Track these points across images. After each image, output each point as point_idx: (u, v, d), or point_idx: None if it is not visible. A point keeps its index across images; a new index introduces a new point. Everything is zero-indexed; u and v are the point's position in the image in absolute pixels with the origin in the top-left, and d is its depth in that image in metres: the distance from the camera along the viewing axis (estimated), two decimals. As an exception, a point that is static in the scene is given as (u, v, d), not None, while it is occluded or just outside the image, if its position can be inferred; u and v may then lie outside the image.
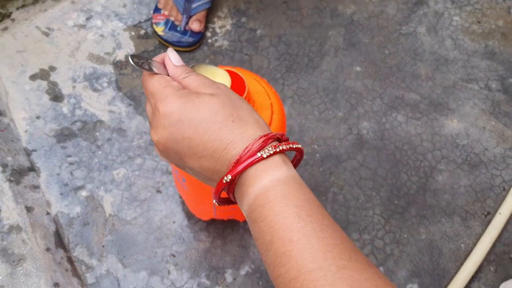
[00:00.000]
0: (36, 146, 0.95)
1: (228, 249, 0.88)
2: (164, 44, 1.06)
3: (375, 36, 1.12)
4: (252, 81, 0.66)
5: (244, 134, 0.40)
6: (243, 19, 1.12)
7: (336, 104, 1.03)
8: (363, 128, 1.00)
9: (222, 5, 1.13)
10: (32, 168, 0.93)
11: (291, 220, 0.37)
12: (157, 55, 0.47)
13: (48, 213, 0.89)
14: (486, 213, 0.93)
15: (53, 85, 1.01)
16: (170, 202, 0.91)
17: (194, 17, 1.05)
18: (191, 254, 0.87)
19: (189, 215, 0.90)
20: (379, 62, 1.08)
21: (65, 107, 0.99)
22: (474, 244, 0.90)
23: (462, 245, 0.90)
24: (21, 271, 0.81)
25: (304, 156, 0.96)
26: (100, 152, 0.95)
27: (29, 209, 0.87)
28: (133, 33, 1.08)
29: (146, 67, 0.44)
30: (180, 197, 0.91)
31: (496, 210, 0.93)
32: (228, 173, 0.39)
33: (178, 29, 1.05)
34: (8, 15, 1.06)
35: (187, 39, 1.05)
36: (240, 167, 0.39)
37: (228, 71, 0.56)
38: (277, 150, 0.40)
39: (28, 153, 0.94)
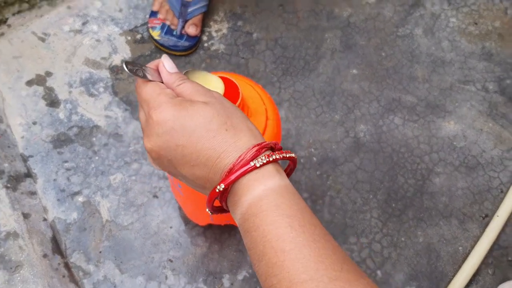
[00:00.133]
0: (32, 152, 0.95)
1: (225, 254, 0.87)
2: (160, 48, 1.06)
3: (371, 38, 1.12)
4: (246, 87, 0.66)
5: (238, 143, 0.40)
6: (239, 23, 1.12)
7: (333, 107, 1.03)
8: (360, 131, 1.00)
9: (218, 9, 1.13)
10: (28, 174, 0.93)
11: (283, 230, 0.37)
12: (151, 61, 0.46)
13: (45, 219, 0.89)
14: (484, 215, 0.93)
15: (50, 91, 1.01)
16: (167, 207, 0.91)
17: (190, 21, 1.05)
18: (188, 259, 0.87)
19: (186, 220, 0.90)
20: (376, 64, 1.08)
21: (61, 113, 0.99)
22: (472, 247, 0.90)
23: (460, 248, 0.90)
24: (18, 278, 0.81)
25: (301, 160, 0.96)
26: (96, 158, 0.95)
27: (26, 216, 0.87)
28: (129, 38, 1.08)
29: (140, 74, 0.43)
30: (177, 202, 0.91)
31: (494, 212, 0.93)
32: (221, 182, 0.39)
33: (174, 33, 1.05)
34: (4, 21, 1.06)
35: (183, 43, 1.05)
36: (233, 176, 0.39)
37: (222, 78, 0.56)
38: (270, 159, 0.40)
39: (24, 159, 0.94)
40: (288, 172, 0.45)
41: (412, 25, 1.14)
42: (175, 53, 1.05)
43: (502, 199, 0.94)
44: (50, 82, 1.02)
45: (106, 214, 0.90)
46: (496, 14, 1.16)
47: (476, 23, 1.15)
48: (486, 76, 1.08)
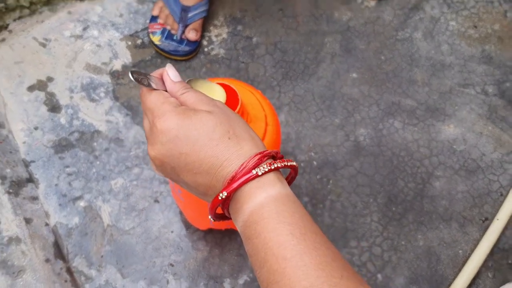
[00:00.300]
0: (34, 157, 0.95)
1: (226, 258, 0.88)
2: (160, 53, 1.07)
3: (371, 42, 1.12)
4: (246, 93, 0.66)
5: (240, 152, 0.41)
6: (239, 27, 1.12)
7: (333, 111, 1.03)
8: (360, 134, 1.01)
9: (218, 14, 1.14)
10: (30, 179, 0.93)
11: (284, 238, 0.38)
12: (155, 70, 0.47)
13: (47, 224, 0.90)
14: (483, 218, 0.94)
15: (51, 96, 1.01)
16: (168, 212, 0.91)
17: (190, 26, 1.06)
18: (189, 263, 0.87)
19: (187, 225, 0.90)
20: (376, 68, 1.09)
21: (62, 118, 0.99)
22: (472, 250, 0.90)
23: (460, 251, 0.90)
24: (21, 283, 0.82)
25: (301, 164, 0.96)
26: (97, 162, 0.95)
27: (28, 221, 0.87)
28: (129, 43, 1.09)
29: (145, 82, 0.44)
30: (178, 206, 0.91)
31: (493, 215, 0.93)
32: (224, 189, 0.40)
33: (175, 38, 1.06)
34: (5, 27, 1.07)
35: (184, 48, 1.05)
36: (235, 184, 0.40)
37: (222, 85, 0.57)
38: (272, 167, 0.40)
39: (26, 164, 0.95)
40: (289, 180, 0.45)
41: (411, 28, 1.14)
42: (175, 58, 1.06)
43: (502, 202, 0.95)
44: (51, 88, 1.02)
45: (108, 218, 0.90)
46: (496, 17, 1.17)
47: (475, 26, 1.15)
48: (486, 79, 1.08)
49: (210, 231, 0.90)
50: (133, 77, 0.43)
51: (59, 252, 0.87)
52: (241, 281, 0.86)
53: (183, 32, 1.06)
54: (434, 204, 0.94)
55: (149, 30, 1.07)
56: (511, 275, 0.89)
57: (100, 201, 0.92)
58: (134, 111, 1.01)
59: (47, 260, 0.85)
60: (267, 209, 0.39)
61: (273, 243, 0.38)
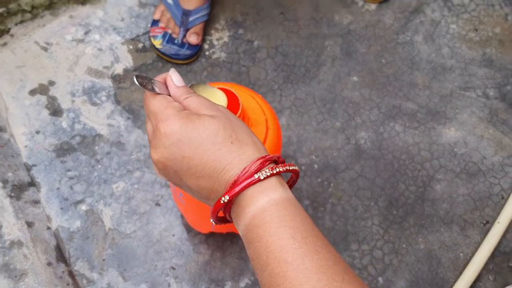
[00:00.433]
0: (36, 161, 0.95)
1: (227, 262, 0.88)
2: (162, 57, 1.07)
3: (372, 45, 1.12)
4: (247, 97, 0.66)
5: (242, 156, 0.41)
6: (240, 31, 1.13)
7: (334, 114, 1.03)
8: (360, 138, 1.01)
9: (219, 17, 1.14)
10: (32, 183, 0.93)
11: (286, 241, 0.38)
12: (159, 75, 0.47)
13: (48, 228, 0.90)
14: (484, 222, 0.94)
15: (52, 100, 1.02)
16: (169, 215, 0.91)
17: (191, 30, 1.06)
18: (190, 266, 0.88)
19: (188, 228, 0.90)
20: (376, 71, 1.09)
21: (64, 122, 1.00)
22: (473, 253, 0.90)
23: (461, 254, 0.90)
24: (23, 286, 0.82)
25: (302, 167, 0.97)
26: (99, 166, 0.95)
27: (29, 224, 0.88)
28: (131, 47, 1.09)
29: (149, 87, 0.45)
30: (179, 210, 0.91)
31: (494, 219, 0.93)
32: (226, 193, 0.40)
33: (176, 42, 1.06)
34: (7, 31, 1.08)
35: (185, 51, 1.06)
36: (237, 188, 0.40)
37: (223, 90, 0.57)
38: (274, 172, 0.41)
39: (28, 168, 0.95)
40: (291, 184, 0.46)
41: (412, 32, 1.15)
42: (176, 61, 1.06)
43: (503, 206, 0.95)
44: (53, 91, 1.03)
45: (109, 222, 0.91)
46: (497, 20, 1.17)
47: (476, 30, 1.16)
48: (487, 82, 1.08)
49: (211, 234, 0.90)
50: (137, 81, 0.44)
51: (61, 256, 0.88)
52: (242, 285, 0.86)
53: (184, 36, 1.06)
54: (435, 207, 0.94)
55: (151, 34, 1.08)
56: (512, 278, 0.89)
57: (102, 204, 0.92)
58: (136, 114, 1.01)
59: (49, 264, 0.85)
60: (269, 213, 0.40)
61: (275, 247, 0.38)
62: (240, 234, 0.42)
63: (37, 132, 0.98)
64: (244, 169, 0.40)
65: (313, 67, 1.09)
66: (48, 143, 0.97)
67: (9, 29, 1.08)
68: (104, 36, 1.10)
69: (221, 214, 0.44)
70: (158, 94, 0.45)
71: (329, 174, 0.97)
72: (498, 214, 0.94)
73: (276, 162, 0.43)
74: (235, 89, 0.63)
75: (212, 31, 1.12)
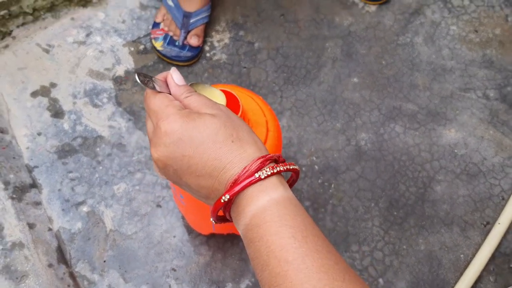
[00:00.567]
0: (37, 163, 0.96)
1: (228, 263, 0.88)
2: (163, 59, 1.07)
3: (372, 47, 1.13)
4: (247, 99, 0.67)
5: (243, 155, 0.41)
6: (241, 33, 1.13)
7: (334, 115, 1.03)
8: (361, 139, 1.01)
9: (220, 19, 1.15)
10: (34, 185, 0.94)
11: (286, 241, 0.38)
12: (160, 73, 0.47)
13: (50, 229, 0.90)
14: (485, 223, 0.94)
15: (54, 102, 1.02)
16: (170, 217, 0.92)
17: (192, 32, 1.06)
18: (191, 268, 0.88)
19: (189, 229, 0.90)
20: (377, 73, 1.09)
21: (66, 123, 1.00)
22: (474, 255, 0.90)
23: (462, 256, 0.91)
24: None
25: (303, 168, 0.97)
26: (100, 168, 0.96)
27: (31, 226, 0.88)
28: (132, 49, 1.10)
29: (151, 85, 0.45)
30: (180, 211, 0.92)
31: (495, 220, 0.93)
32: (226, 192, 0.40)
33: (177, 43, 1.07)
34: (9, 33, 1.08)
35: (186, 53, 1.06)
36: (238, 187, 0.40)
37: (223, 91, 0.57)
38: (275, 171, 0.41)
39: (29, 169, 0.95)
40: (291, 184, 0.46)
41: (412, 33, 1.15)
42: (177, 63, 1.07)
43: (503, 207, 0.95)
44: (54, 93, 1.03)
45: (110, 223, 0.91)
46: (497, 22, 1.17)
47: (476, 31, 1.16)
48: (487, 83, 1.09)
49: (212, 236, 0.90)
50: (139, 79, 0.44)
51: (62, 257, 0.88)
52: (243, 286, 0.87)
53: (185, 37, 1.06)
54: (435, 208, 0.94)
55: (152, 36, 1.08)
56: (513, 279, 0.89)
57: (103, 206, 0.92)
58: (137, 116, 1.01)
59: (50, 265, 0.85)
60: (269, 212, 0.39)
61: (275, 246, 0.38)
62: (240, 234, 0.42)
63: (39, 134, 0.99)
64: (245, 168, 0.40)
65: (313, 69, 1.09)
66: (50, 144, 0.98)
67: (11, 31, 1.08)
68: (105, 38, 1.10)
69: (221, 213, 0.44)
70: (159, 92, 0.45)
71: (330, 175, 0.97)
72: (498, 215, 0.94)
73: (276, 161, 0.42)
74: (235, 90, 0.64)
75: (213, 33, 1.13)
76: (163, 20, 1.08)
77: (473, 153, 1.00)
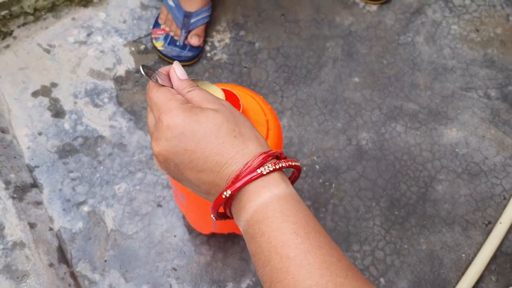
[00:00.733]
0: (38, 163, 0.96)
1: (229, 263, 0.88)
2: (163, 59, 1.07)
3: (373, 46, 1.12)
4: (247, 98, 0.67)
5: (245, 151, 0.41)
6: (242, 33, 1.13)
7: (335, 115, 1.03)
8: (362, 138, 1.01)
9: (221, 19, 1.15)
10: (34, 184, 0.94)
11: (288, 237, 0.38)
12: (163, 67, 0.47)
13: (51, 229, 0.90)
14: (486, 222, 0.93)
15: (55, 102, 1.02)
16: (171, 216, 0.91)
17: (193, 32, 1.06)
18: (192, 267, 0.88)
19: (189, 229, 0.90)
20: (378, 72, 1.09)
21: (66, 123, 1.00)
22: (475, 254, 0.90)
23: (463, 255, 0.90)
24: (25, 287, 0.82)
25: (304, 168, 0.97)
26: (101, 167, 0.96)
27: (32, 225, 0.88)
28: (133, 49, 1.10)
29: (155, 78, 0.44)
30: (181, 211, 0.92)
31: (496, 219, 0.93)
32: (228, 188, 0.40)
33: (178, 43, 1.07)
34: (9, 33, 1.08)
35: (186, 53, 1.06)
36: (239, 183, 0.40)
37: (223, 90, 0.57)
38: (277, 167, 0.41)
39: (30, 169, 0.95)
40: (292, 180, 0.45)
41: (413, 32, 1.15)
42: (178, 63, 1.06)
43: (505, 206, 0.94)
44: (55, 93, 1.03)
45: (111, 223, 0.91)
46: (498, 21, 1.17)
47: (477, 30, 1.16)
48: (488, 83, 1.08)
49: (213, 235, 0.90)
50: (143, 71, 0.44)
51: (63, 257, 0.88)
52: (243, 285, 0.86)
53: (186, 37, 1.06)
54: (436, 208, 0.94)
55: (152, 36, 1.08)
56: (514, 279, 0.89)
57: (104, 206, 0.92)
58: (137, 116, 1.01)
59: (51, 265, 0.85)
60: (271, 208, 0.39)
61: (277, 242, 0.38)
62: (241, 230, 0.42)
63: (40, 134, 0.99)
64: (247, 163, 0.40)
65: (314, 68, 1.09)
66: (51, 144, 0.98)
67: (12, 31, 1.08)
68: (106, 38, 1.10)
69: (221, 210, 0.44)
70: (162, 86, 0.45)
71: (331, 175, 0.97)
72: (500, 214, 0.93)
73: (278, 158, 0.42)
74: (236, 89, 0.64)
75: (214, 33, 1.13)
76: (164, 20, 1.08)
77: (474, 152, 1.00)
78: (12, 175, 0.92)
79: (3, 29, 1.07)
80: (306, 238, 0.38)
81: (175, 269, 0.87)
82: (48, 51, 1.08)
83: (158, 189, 0.94)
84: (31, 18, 1.09)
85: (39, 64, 1.06)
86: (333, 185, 0.96)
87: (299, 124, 1.02)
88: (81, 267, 0.87)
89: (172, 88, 0.46)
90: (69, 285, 0.85)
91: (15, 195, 0.90)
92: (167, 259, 0.88)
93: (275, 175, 0.41)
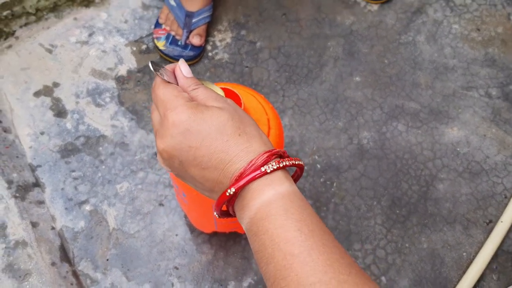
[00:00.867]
0: (40, 162, 0.96)
1: (230, 261, 0.88)
2: (165, 58, 1.08)
3: (374, 45, 1.13)
4: (249, 97, 0.67)
5: (249, 149, 0.41)
6: (243, 32, 1.13)
7: (336, 114, 1.04)
8: (363, 138, 1.01)
9: (222, 19, 1.15)
10: (37, 184, 0.94)
11: (292, 234, 0.38)
12: (168, 64, 0.48)
13: (53, 228, 0.91)
14: (488, 221, 0.94)
15: (57, 101, 1.03)
16: (173, 215, 0.92)
17: (194, 32, 1.07)
18: (194, 266, 0.88)
19: (191, 228, 0.91)
20: (379, 71, 1.09)
21: (68, 123, 1.00)
22: (476, 253, 0.90)
23: (464, 254, 0.90)
24: (27, 286, 0.83)
25: (305, 167, 0.97)
26: (103, 167, 0.96)
27: (34, 224, 0.88)
28: (134, 48, 1.10)
29: (162, 75, 0.45)
30: (182, 210, 0.92)
31: (498, 218, 0.93)
32: (232, 185, 0.40)
33: (179, 43, 1.07)
34: (12, 33, 1.09)
35: (188, 53, 1.06)
36: (243, 181, 0.40)
37: (224, 89, 0.57)
38: (281, 165, 0.41)
39: (33, 169, 0.96)
40: (295, 179, 0.46)
41: (414, 32, 1.15)
42: (180, 62, 1.07)
43: (506, 205, 0.94)
44: (57, 93, 1.04)
45: (113, 222, 0.91)
46: (499, 20, 1.17)
47: (478, 29, 1.16)
48: (489, 82, 1.08)
49: (214, 234, 0.90)
50: (152, 67, 0.44)
51: (65, 256, 0.88)
52: (245, 284, 0.87)
53: (188, 37, 1.07)
54: (438, 207, 0.94)
55: (154, 36, 1.08)
56: (516, 277, 0.89)
57: (106, 205, 0.93)
58: (139, 115, 1.02)
59: (53, 264, 0.86)
60: (275, 205, 0.39)
61: (281, 239, 0.38)
62: (244, 228, 0.42)
63: (42, 133, 0.99)
64: (251, 161, 0.40)
65: (315, 68, 1.09)
66: (53, 144, 0.98)
67: (14, 31, 1.09)
68: (108, 38, 1.11)
69: (224, 208, 0.44)
70: (169, 83, 0.45)
71: (332, 174, 0.97)
72: (501, 213, 0.93)
73: (281, 156, 0.43)
74: (237, 89, 0.64)
75: (215, 33, 1.13)
76: (165, 20, 1.09)
77: (475, 151, 1.00)
78: (15, 175, 0.93)
79: (5, 29, 1.07)
80: (310, 235, 0.38)
81: (177, 268, 0.88)
82: (50, 51, 1.08)
83: (159, 188, 0.94)
84: (33, 18, 1.10)
85: (41, 64, 1.07)
86: (334, 184, 0.96)
87: (301, 123, 1.02)
88: (83, 266, 0.88)
89: (178, 85, 0.46)
90: (71, 283, 0.85)
91: (17, 194, 0.90)
92: (169, 258, 0.88)
93: (279, 173, 0.41)
